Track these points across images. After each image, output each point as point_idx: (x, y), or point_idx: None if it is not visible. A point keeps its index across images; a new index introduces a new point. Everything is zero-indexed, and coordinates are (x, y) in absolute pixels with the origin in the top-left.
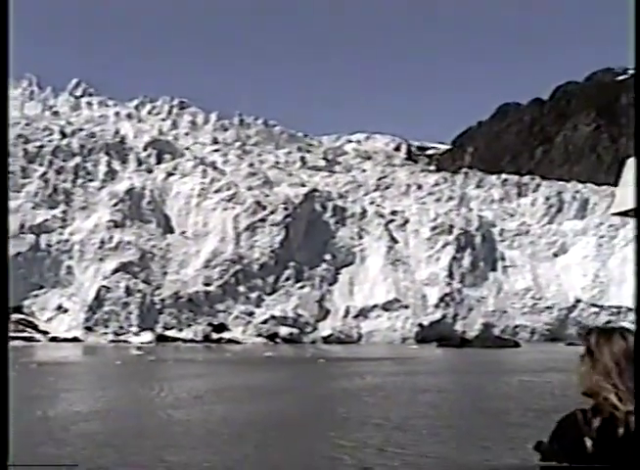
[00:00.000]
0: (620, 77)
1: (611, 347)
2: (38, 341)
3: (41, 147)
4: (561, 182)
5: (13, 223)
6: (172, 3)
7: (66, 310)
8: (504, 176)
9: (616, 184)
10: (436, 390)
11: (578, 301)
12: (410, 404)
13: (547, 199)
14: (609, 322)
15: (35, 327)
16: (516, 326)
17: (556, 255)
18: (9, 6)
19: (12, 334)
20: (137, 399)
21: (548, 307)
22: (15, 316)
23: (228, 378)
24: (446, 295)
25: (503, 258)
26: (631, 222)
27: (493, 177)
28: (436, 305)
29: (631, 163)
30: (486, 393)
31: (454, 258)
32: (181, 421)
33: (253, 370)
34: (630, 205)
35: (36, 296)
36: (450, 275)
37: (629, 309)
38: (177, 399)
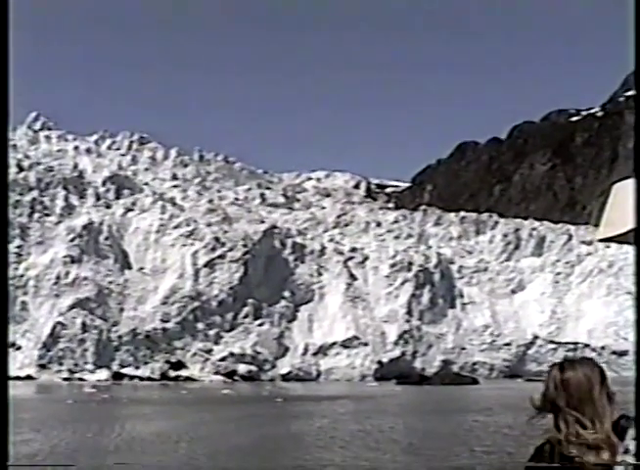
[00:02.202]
0: (574, 118)
1: (561, 375)
2: None
3: None
4: (518, 220)
5: None
6: (130, 39)
7: (19, 347)
8: (462, 214)
9: (597, 214)
10: (382, 431)
11: (536, 337)
12: (351, 447)
13: (505, 236)
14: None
15: None
16: (474, 363)
17: (514, 291)
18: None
19: None
20: (77, 441)
21: (506, 344)
22: None
23: (169, 421)
24: (405, 332)
25: (462, 295)
26: (597, 254)
27: (452, 215)
28: (396, 343)
29: (623, 185)
30: (434, 436)
31: (413, 295)
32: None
33: (203, 410)
34: (629, 225)
35: None
36: (409, 312)
37: (586, 345)
38: (115, 441)
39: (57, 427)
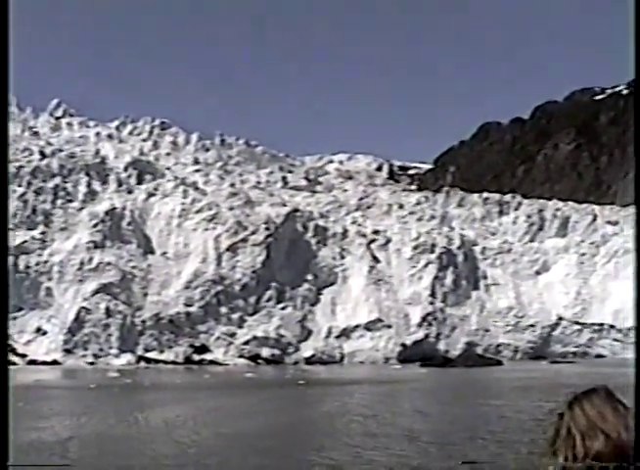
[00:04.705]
0: (599, 97)
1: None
2: (16, 364)
3: (20, 167)
4: (542, 200)
5: None
6: (154, 23)
7: (45, 333)
8: (485, 195)
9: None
10: (406, 416)
11: (561, 318)
12: (377, 434)
13: (529, 217)
14: (591, 339)
15: (13, 350)
16: (498, 345)
17: (538, 273)
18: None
19: None
20: (93, 427)
21: (531, 326)
22: None
23: (186, 406)
24: (429, 314)
25: (485, 277)
26: (622, 234)
27: (475, 196)
28: (419, 325)
29: None
30: (461, 422)
31: (436, 277)
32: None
33: (223, 395)
34: None
35: (15, 318)
36: (433, 294)
37: (611, 327)
38: (133, 427)
39: (76, 413)
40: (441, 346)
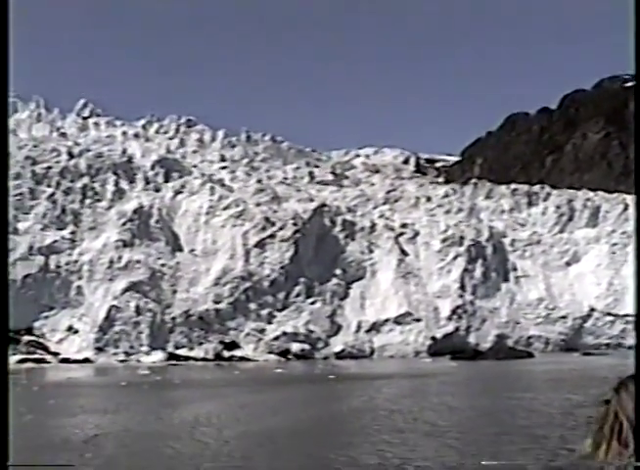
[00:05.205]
0: (628, 84)
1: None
2: (49, 362)
3: (49, 168)
4: (571, 190)
5: (22, 245)
6: (177, 23)
7: (76, 331)
8: (514, 186)
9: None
10: (438, 411)
11: (593, 310)
12: (405, 430)
13: (558, 207)
14: (624, 331)
15: (46, 348)
16: (529, 337)
17: (568, 264)
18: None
19: (23, 356)
20: (121, 425)
21: (562, 317)
22: (26, 338)
23: (214, 402)
24: (458, 307)
25: (515, 269)
26: None
27: (503, 187)
28: (449, 318)
29: None
30: (493, 415)
31: (465, 269)
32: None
33: (252, 391)
34: None
35: (46, 317)
36: (462, 287)
37: None
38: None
39: (105, 410)
40: (472, 339)
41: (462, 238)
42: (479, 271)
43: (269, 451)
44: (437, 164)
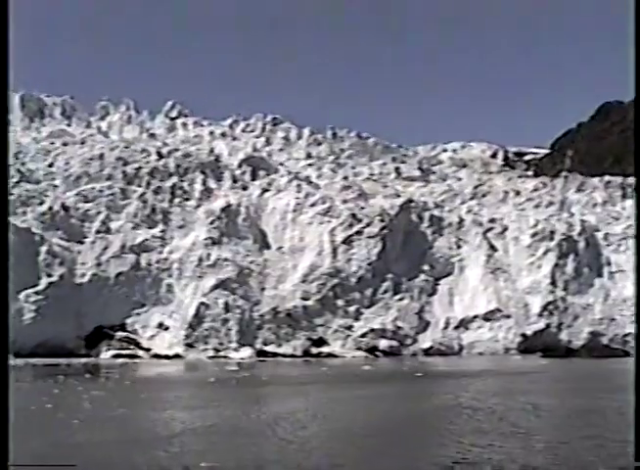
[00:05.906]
0: None
1: None
2: (141, 358)
3: (139, 168)
4: None
5: (114, 244)
6: (262, 25)
7: (167, 328)
8: (607, 178)
9: None
10: (527, 411)
11: None
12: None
13: None
14: None
15: (138, 344)
16: (625, 335)
17: None
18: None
19: (116, 351)
20: (209, 420)
21: None
22: (119, 334)
23: (299, 399)
24: (550, 303)
25: (609, 264)
26: None
27: (595, 180)
28: (540, 314)
29: None
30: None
31: (557, 264)
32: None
33: (339, 388)
34: None
35: (138, 314)
36: (553, 283)
37: None
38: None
39: (192, 406)
40: (564, 336)
41: (552, 232)
42: (570, 266)
43: (344, 453)
44: (526, 158)
